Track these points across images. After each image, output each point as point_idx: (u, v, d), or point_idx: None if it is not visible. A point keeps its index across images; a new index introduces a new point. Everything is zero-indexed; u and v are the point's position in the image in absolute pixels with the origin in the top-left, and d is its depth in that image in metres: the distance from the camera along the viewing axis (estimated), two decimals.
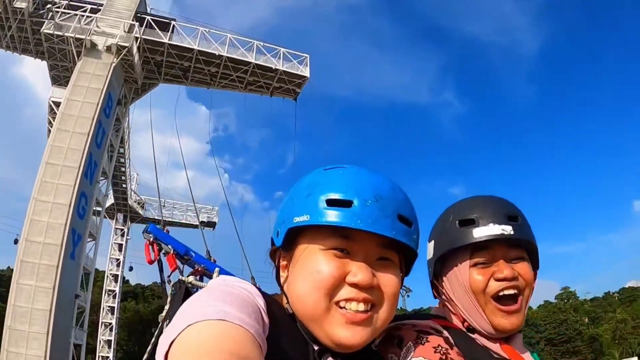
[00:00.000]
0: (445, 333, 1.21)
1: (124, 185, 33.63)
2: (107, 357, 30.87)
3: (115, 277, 33.84)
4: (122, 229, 36.02)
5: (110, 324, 31.86)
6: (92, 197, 22.76)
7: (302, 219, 0.97)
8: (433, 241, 1.37)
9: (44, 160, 20.99)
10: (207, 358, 0.69)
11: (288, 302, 1.01)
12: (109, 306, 32.60)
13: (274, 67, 27.79)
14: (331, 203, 0.95)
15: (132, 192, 35.73)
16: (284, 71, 28.08)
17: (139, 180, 37.92)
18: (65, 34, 23.32)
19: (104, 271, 35.17)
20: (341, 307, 0.94)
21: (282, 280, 1.05)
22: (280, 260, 1.06)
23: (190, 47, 26.41)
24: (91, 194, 22.53)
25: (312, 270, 0.95)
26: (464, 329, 1.28)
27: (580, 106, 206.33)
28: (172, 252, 6.40)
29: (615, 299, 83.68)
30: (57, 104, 23.66)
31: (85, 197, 21.81)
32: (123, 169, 32.28)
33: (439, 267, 1.35)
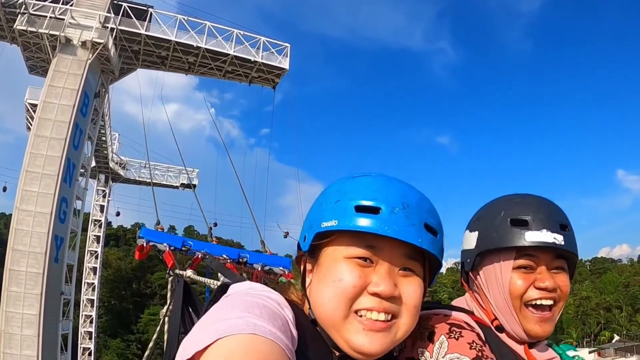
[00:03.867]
0: (477, 328, 1.20)
1: (105, 152, 34.35)
2: (90, 315, 33.72)
3: (98, 238, 35.71)
4: (103, 190, 37.23)
5: (93, 283, 34.34)
6: (73, 198, 23.90)
7: (330, 224, 0.98)
8: (477, 232, 1.33)
9: (23, 168, 21.81)
10: None
11: (310, 307, 1.03)
12: (91, 266, 34.84)
13: (252, 59, 27.81)
14: (359, 209, 0.96)
15: (113, 155, 36.43)
16: (263, 63, 28.14)
17: (120, 140, 38.50)
18: (39, 30, 22.92)
19: (87, 224, 36.91)
20: (360, 316, 0.96)
21: (306, 284, 1.06)
22: (306, 265, 1.07)
23: (168, 37, 26.12)
24: (71, 195, 23.64)
25: (335, 278, 0.96)
26: (492, 327, 1.27)
27: (575, 67, 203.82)
28: (167, 249, 6.20)
29: (587, 269, 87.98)
30: (34, 106, 23.83)
31: (65, 201, 22.95)
32: (104, 138, 32.79)
33: (479, 260, 1.32)
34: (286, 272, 6.91)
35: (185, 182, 38.53)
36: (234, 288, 1.01)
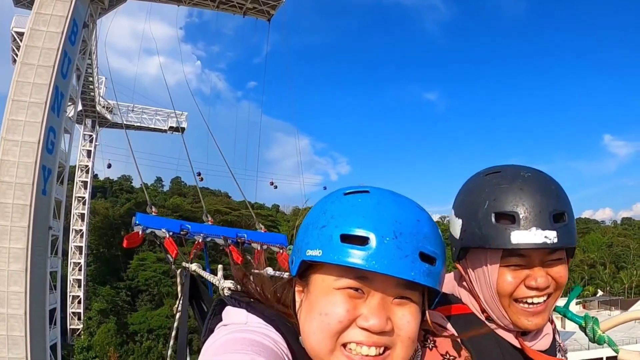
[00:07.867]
0: (452, 330, 1.14)
1: (92, 94, 33.00)
2: (79, 263, 32.91)
3: (85, 183, 34.62)
4: (90, 135, 35.93)
5: (81, 230, 33.43)
6: (61, 129, 22.80)
7: (314, 253, 0.91)
8: (461, 221, 1.20)
9: (9, 97, 20.61)
10: None
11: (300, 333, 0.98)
12: (79, 213, 33.85)
13: None
14: (346, 239, 0.88)
15: (100, 98, 35.03)
16: None
17: (107, 84, 36.98)
18: None
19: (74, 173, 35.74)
20: (348, 350, 0.90)
21: (297, 306, 1.01)
22: (296, 286, 1.02)
23: None
24: (59, 126, 22.54)
25: (321, 310, 0.91)
26: (483, 318, 1.22)
27: (567, 28, 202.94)
28: (167, 235, 5.87)
29: None
30: (20, 35, 22.43)
31: (53, 131, 21.89)
32: (91, 79, 31.43)
33: (463, 254, 1.22)
34: (285, 248, 6.91)
35: (174, 125, 37.31)
36: (230, 316, 0.99)
